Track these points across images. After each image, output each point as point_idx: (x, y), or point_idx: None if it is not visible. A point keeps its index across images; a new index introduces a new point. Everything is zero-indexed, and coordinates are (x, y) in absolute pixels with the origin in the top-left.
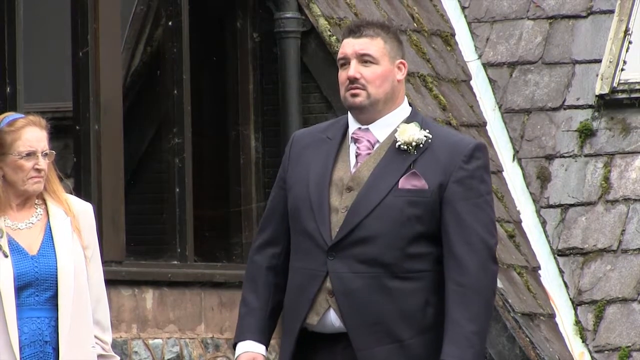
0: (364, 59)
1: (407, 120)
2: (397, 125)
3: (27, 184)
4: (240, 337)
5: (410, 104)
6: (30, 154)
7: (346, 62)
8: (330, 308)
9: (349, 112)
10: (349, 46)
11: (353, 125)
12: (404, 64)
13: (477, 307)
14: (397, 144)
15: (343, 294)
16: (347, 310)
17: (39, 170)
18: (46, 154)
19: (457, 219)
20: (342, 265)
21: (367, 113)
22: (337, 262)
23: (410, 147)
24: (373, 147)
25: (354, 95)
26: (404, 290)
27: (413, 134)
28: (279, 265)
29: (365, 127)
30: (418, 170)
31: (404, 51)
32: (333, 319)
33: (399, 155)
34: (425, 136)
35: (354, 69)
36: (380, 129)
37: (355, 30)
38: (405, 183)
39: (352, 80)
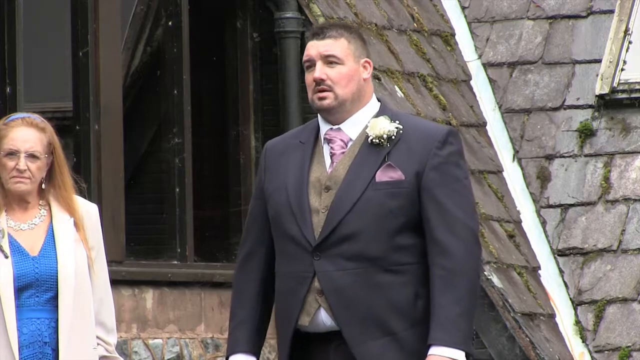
0: (329, 59)
1: (377, 115)
2: (367, 122)
3: (9, 183)
4: (230, 351)
5: (379, 99)
6: (12, 154)
7: (311, 64)
8: (321, 307)
9: (318, 115)
10: (313, 48)
11: (324, 127)
12: (369, 63)
13: (462, 289)
14: (370, 138)
15: (332, 292)
16: (337, 308)
17: (20, 171)
18: (33, 155)
19: (437, 205)
20: (328, 264)
21: (336, 113)
22: (324, 262)
23: (383, 140)
24: (347, 146)
25: (322, 99)
26: (392, 283)
27: (383, 126)
28: (264, 274)
29: (337, 127)
30: (393, 162)
31: (368, 50)
32: (324, 317)
33: (373, 150)
34: (396, 127)
35: (319, 70)
36: (352, 127)
37: (318, 33)
38: (382, 176)
39: (319, 82)
